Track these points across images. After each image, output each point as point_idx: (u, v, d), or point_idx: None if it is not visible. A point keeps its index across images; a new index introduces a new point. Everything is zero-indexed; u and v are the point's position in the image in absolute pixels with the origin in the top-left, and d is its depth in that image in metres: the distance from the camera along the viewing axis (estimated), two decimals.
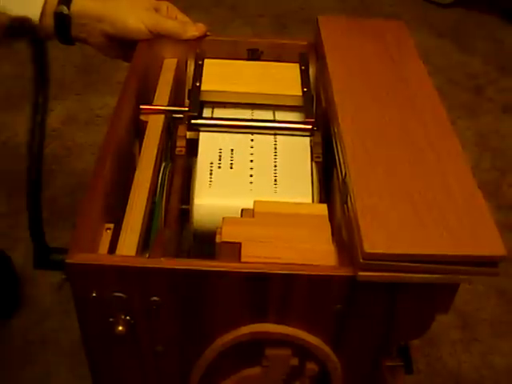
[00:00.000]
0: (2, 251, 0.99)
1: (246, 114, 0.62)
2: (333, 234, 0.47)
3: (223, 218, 0.47)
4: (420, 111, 0.53)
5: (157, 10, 0.68)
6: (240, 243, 0.45)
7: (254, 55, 0.69)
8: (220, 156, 0.56)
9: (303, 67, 0.66)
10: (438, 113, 0.54)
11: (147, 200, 0.51)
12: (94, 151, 1.27)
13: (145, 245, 0.50)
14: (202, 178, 0.54)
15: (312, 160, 0.57)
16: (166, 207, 0.53)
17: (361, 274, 0.41)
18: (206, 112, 0.62)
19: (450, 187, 0.45)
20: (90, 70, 1.53)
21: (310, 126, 0.59)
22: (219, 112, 0.62)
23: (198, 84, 0.62)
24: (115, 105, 0.56)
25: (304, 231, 0.46)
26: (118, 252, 0.46)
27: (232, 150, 0.57)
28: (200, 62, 0.65)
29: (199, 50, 0.67)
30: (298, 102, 0.62)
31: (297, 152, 0.58)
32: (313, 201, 0.53)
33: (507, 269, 0.46)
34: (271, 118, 0.62)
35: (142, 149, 0.56)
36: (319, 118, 0.59)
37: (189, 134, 0.58)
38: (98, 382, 0.52)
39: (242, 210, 0.49)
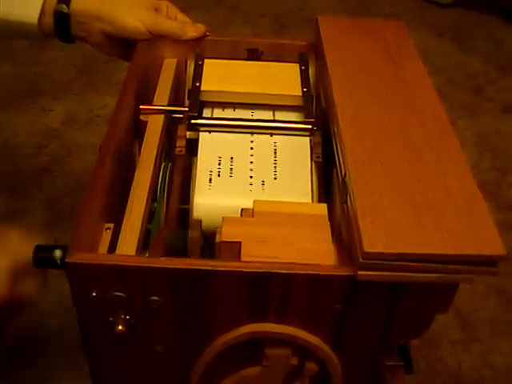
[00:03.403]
0: None
1: (246, 114, 0.62)
2: (332, 234, 0.47)
3: (223, 218, 0.47)
4: (420, 111, 0.53)
5: (157, 9, 0.68)
6: (240, 243, 0.45)
7: (253, 55, 0.69)
8: (220, 156, 0.56)
9: (303, 67, 0.66)
10: (438, 113, 0.54)
11: (147, 200, 0.51)
12: (93, 151, 1.27)
13: (144, 244, 0.50)
14: (202, 178, 0.54)
15: (312, 160, 0.57)
16: (166, 207, 0.53)
17: (360, 273, 0.41)
18: (206, 112, 0.62)
19: (450, 187, 0.45)
20: (90, 70, 1.53)
21: (309, 126, 0.59)
22: (219, 112, 0.62)
23: (197, 84, 0.62)
24: (115, 105, 0.56)
25: (304, 231, 0.46)
26: (117, 251, 0.46)
27: (232, 149, 0.57)
28: (200, 62, 0.65)
29: (199, 50, 0.67)
30: (298, 102, 0.62)
31: (297, 152, 0.58)
32: (312, 200, 0.53)
33: (507, 268, 0.46)
34: (271, 117, 0.62)
35: (142, 149, 0.56)
36: (319, 118, 0.59)
37: (189, 134, 0.58)
38: (98, 382, 0.52)
39: (242, 210, 0.49)
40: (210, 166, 0.55)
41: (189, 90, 0.63)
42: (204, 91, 0.62)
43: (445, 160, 0.48)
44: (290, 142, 0.58)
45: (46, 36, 0.66)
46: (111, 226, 0.49)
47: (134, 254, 0.46)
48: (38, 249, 0.44)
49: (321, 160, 0.57)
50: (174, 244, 0.49)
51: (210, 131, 0.58)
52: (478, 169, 1.32)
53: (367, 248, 0.40)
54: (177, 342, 0.48)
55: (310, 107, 0.61)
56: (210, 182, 0.54)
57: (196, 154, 0.56)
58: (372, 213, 0.42)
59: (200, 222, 0.49)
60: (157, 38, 0.66)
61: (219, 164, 0.55)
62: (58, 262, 0.43)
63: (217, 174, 0.54)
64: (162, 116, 0.60)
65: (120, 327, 0.44)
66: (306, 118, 0.59)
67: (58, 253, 0.43)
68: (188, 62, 0.66)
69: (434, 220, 0.42)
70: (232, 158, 0.56)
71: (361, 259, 0.40)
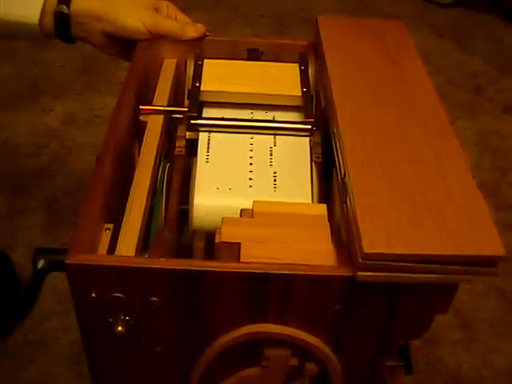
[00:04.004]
0: (2, 252, 0.99)
1: (245, 114, 0.62)
2: (332, 234, 0.47)
3: (222, 219, 0.47)
4: (420, 111, 0.53)
5: (157, 9, 0.68)
6: (239, 243, 0.45)
7: (253, 55, 0.69)
8: (219, 156, 0.56)
9: (303, 67, 0.66)
10: (438, 113, 0.54)
11: (146, 200, 0.51)
12: (93, 151, 1.27)
13: (144, 245, 0.50)
14: (202, 179, 0.54)
15: (311, 160, 0.57)
16: (166, 207, 0.53)
17: (360, 274, 0.41)
18: (206, 112, 0.62)
19: (450, 187, 0.45)
20: (90, 70, 1.53)
21: (309, 126, 0.59)
22: (219, 112, 0.62)
23: (197, 84, 0.62)
24: (115, 105, 0.56)
25: (303, 231, 0.46)
26: (117, 252, 0.46)
27: (231, 150, 0.57)
28: (200, 62, 0.65)
29: (199, 50, 0.67)
30: (298, 102, 0.62)
31: (296, 152, 0.58)
32: (312, 201, 0.53)
33: (507, 269, 0.46)
34: (271, 118, 0.62)
35: (142, 149, 0.56)
36: (319, 118, 0.59)
37: (188, 134, 0.58)
38: (97, 382, 0.52)
39: (242, 210, 0.49)
40: (210, 166, 0.55)
41: (188, 90, 0.63)
42: (204, 91, 0.62)
43: (445, 160, 0.48)
44: (290, 143, 0.58)
45: (46, 36, 0.66)
46: (111, 226, 0.49)
47: (133, 254, 0.46)
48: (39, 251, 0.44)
49: (320, 160, 0.57)
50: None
51: (209, 131, 0.58)
52: (477, 169, 1.32)
53: (367, 249, 0.40)
54: (176, 342, 0.48)
55: (310, 107, 0.61)
56: (210, 182, 0.54)
57: (195, 155, 0.56)
58: (371, 213, 0.42)
59: (205, 233, 0.49)
60: (157, 38, 0.66)
61: (219, 165, 0.55)
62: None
63: (216, 174, 0.54)
64: (162, 116, 0.60)
65: (120, 328, 0.44)
66: (305, 118, 0.59)
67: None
68: (188, 62, 0.66)
69: (433, 220, 0.42)
70: (231, 158, 0.56)
71: (360, 260, 0.40)
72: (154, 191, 0.54)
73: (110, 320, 0.44)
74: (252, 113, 0.62)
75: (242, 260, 0.44)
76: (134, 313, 0.45)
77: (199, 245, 0.51)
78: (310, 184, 0.55)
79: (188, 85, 0.64)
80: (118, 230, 0.48)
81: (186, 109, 0.60)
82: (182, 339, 0.47)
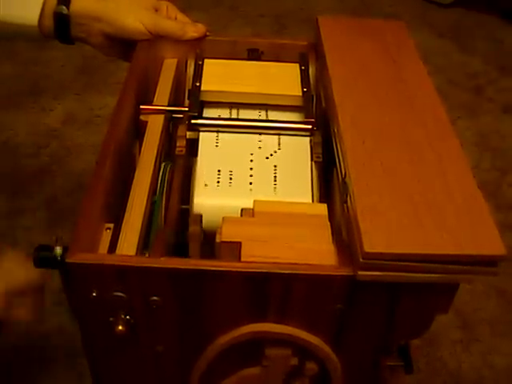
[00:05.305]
0: None
1: (246, 114, 0.62)
2: (333, 234, 0.47)
3: (223, 218, 0.47)
4: (420, 111, 0.53)
5: (157, 9, 0.68)
6: (240, 243, 0.45)
7: (253, 55, 0.69)
8: (220, 156, 0.56)
9: (303, 67, 0.66)
10: (438, 113, 0.54)
11: (147, 199, 0.51)
12: (94, 151, 1.27)
13: (145, 244, 0.50)
14: (202, 178, 0.54)
15: (312, 160, 0.57)
16: (166, 207, 0.53)
17: (361, 273, 0.41)
18: (206, 112, 0.62)
19: (450, 187, 0.45)
20: (90, 70, 1.53)
21: (309, 126, 0.59)
22: (219, 112, 0.62)
23: (197, 84, 0.62)
24: (115, 105, 0.56)
25: (304, 231, 0.46)
26: (117, 251, 0.46)
27: (232, 149, 0.57)
28: (200, 62, 0.65)
29: (199, 50, 0.67)
30: (298, 102, 0.62)
31: (297, 152, 0.58)
32: (313, 201, 0.53)
33: (507, 268, 0.46)
34: (271, 118, 0.62)
35: (142, 149, 0.56)
36: (319, 118, 0.59)
37: (189, 134, 0.58)
38: (97, 382, 0.52)
39: (242, 210, 0.49)
40: (210, 166, 0.55)
41: (189, 90, 0.63)
42: (204, 91, 0.62)
43: (445, 160, 0.48)
44: (290, 142, 0.58)
45: (46, 37, 0.66)
46: (111, 225, 0.49)
47: (134, 253, 0.46)
48: (39, 248, 0.44)
49: (321, 160, 0.57)
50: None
51: (210, 131, 0.58)
52: (477, 169, 1.32)
53: (367, 248, 0.40)
54: (177, 342, 0.48)
55: (310, 107, 0.61)
56: (210, 182, 0.54)
57: (196, 154, 0.56)
58: (372, 213, 0.42)
59: (200, 216, 0.49)
60: (157, 38, 0.66)
61: (219, 164, 0.55)
62: (59, 258, 0.43)
63: (216, 174, 0.54)
64: (162, 116, 0.60)
65: (120, 327, 0.44)
66: (306, 118, 0.59)
67: (58, 250, 0.43)
68: (188, 62, 0.66)
69: (434, 220, 0.42)
70: (232, 158, 0.56)
71: (361, 259, 0.40)
72: (154, 191, 0.54)
73: (111, 319, 0.44)
74: (252, 113, 0.62)
75: (242, 259, 0.44)
76: (134, 312, 0.45)
77: (195, 230, 0.50)
78: (310, 184, 0.55)
79: (188, 85, 0.64)
80: (118, 230, 0.48)
81: (187, 109, 0.60)
82: (183, 338, 0.47)
